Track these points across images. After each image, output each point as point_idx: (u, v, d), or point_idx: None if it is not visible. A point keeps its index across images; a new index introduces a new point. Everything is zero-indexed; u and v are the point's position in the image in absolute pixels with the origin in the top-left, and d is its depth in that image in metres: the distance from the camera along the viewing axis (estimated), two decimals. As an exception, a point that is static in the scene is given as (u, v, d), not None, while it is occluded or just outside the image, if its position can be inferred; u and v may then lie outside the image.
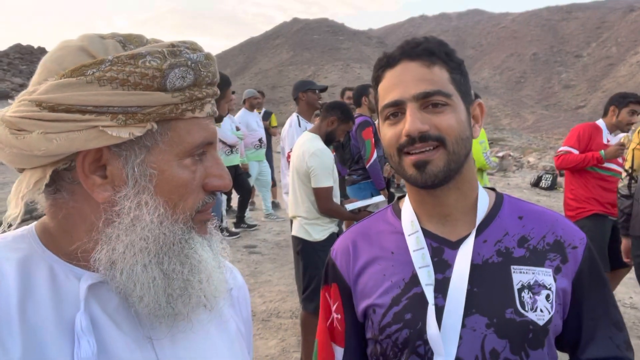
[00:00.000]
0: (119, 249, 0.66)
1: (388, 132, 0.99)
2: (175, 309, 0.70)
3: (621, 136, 3.85)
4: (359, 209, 3.43)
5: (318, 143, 3.32)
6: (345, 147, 4.64)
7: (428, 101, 0.94)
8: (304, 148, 3.31)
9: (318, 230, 3.33)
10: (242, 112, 7.30)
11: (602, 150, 3.79)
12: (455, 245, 1.01)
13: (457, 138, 0.95)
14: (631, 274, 5.59)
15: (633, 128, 3.92)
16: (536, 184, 12.72)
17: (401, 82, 0.96)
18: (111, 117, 0.64)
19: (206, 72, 0.70)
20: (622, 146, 3.75)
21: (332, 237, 3.37)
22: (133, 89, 0.64)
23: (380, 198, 3.61)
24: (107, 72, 0.63)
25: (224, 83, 4.78)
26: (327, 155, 3.29)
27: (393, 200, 1.19)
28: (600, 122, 4.03)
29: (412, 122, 0.93)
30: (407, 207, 1.09)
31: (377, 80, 1.04)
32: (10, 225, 0.71)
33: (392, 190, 5.06)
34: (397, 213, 1.11)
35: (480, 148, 4.30)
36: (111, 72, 0.63)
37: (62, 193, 0.69)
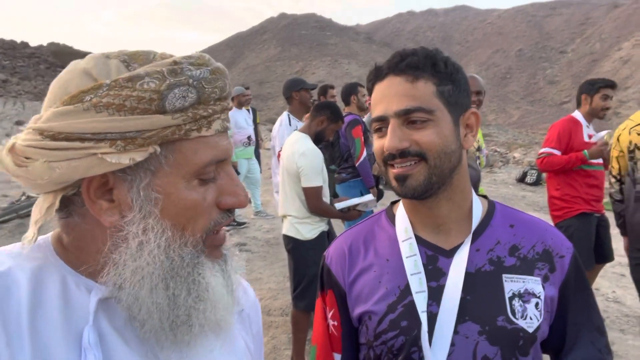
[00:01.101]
0: (126, 274, 0.66)
1: (376, 144, 1.03)
2: (177, 336, 0.69)
3: (603, 134, 3.81)
4: (349, 208, 3.46)
5: (308, 143, 3.34)
6: (335, 145, 4.65)
7: (409, 117, 0.96)
8: (294, 148, 3.33)
9: (308, 229, 3.35)
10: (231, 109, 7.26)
11: (586, 151, 3.74)
12: (450, 253, 1.03)
13: (439, 153, 0.97)
14: (614, 269, 5.73)
15: (610, 130, 3.89)
16: (522, 179, 12.89)
17: (385, 97, 0.99)
18: (110, 144, 0.62)
19: (212, 88, 0.67)
20: (605, 145, 3.71)
21: (323, 236, 3.40)
22: (130, 114, 0.62)
23: (370, 197, 3.64)
24: (103, 98, 0.62)
25: None
26: (317, 155, 3.31)
27: (382, 198, 1.22)
28: (577, 114, 3.95)
29: (390, 139, 0.96)
30: (401, 213, 1.11)
31: (370, 91, 1.06)
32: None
33: (380, 187, 5.08)
34: (391, 219, 1.13)
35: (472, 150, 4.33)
36: (108, 97, 0.62)
37: (74, 217, 0.69)
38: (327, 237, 3.47)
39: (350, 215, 3.46)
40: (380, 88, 1.01)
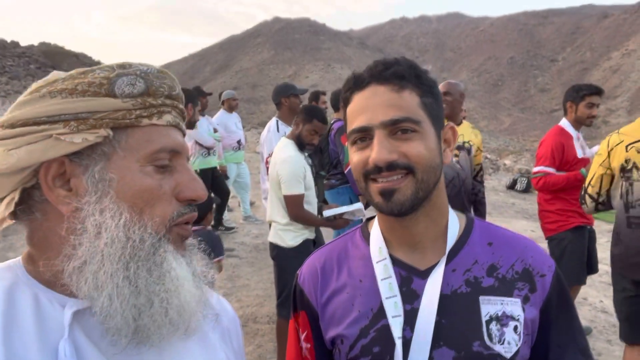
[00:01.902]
0: (84, 257, 0.66)
1: (355, 156, 0.96)
2: (140, 326, 0.67)
3: (595, 150, 3.69)
4: (335, 216, 3.41)
5: (290, 150, 3.30)
6: (324, 151, 4.63)
7: (396, 128, 0.91)
8: (277, 155, 3.31)
9: (291, 236, 3.31)
10: (221, 113, 7.19)
11: (583, 169, 3.63)
12: (424, 274, 0.98)
13: (426, 166, 0.92)
14: (602, 278, 5.74)
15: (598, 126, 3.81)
16: (512, 186, 12.95)
17: (369, 106, 0.93)
18: (64, 125, 0.67)
19: (160, 82, 0.73)
20: None
21: (306, 244, 3.36)
22: (82, 96, 0.67)
23: (358, 205, 3.60)
24: (57, 86, 0.68)
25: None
26: (298, 163, 3.26)
27: (370, 206, 1.16)
28: (565, 124, 3.83)
29: (379, 151, 0.90)
30: (375, 231, 1.06)
31: (345, 101, 1.00)
32: None
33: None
34: (366, 237, 1.08)
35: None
36: (61, 85, 0.68)
37: (35, 214, 0.71)
38: (313, 245, 3.42)
39: (337, 223, 3.41)
40: (361, 98, 0.95)
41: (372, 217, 1.12)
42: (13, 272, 0.71)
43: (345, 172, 4.43)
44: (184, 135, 0.80)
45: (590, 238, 3.89)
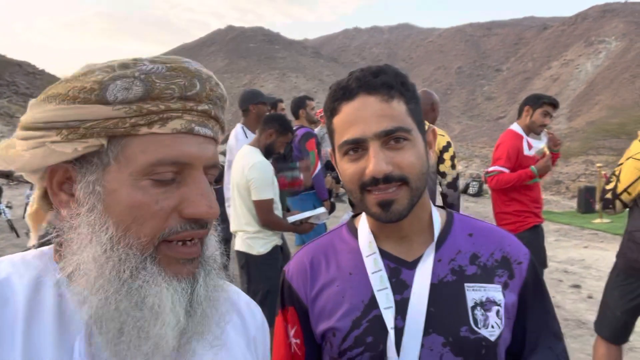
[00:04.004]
0: (70, 269, 0.65)
1: (349, 168, 0.97)
2: (119, 349, 0.63)
3: (541, 146, 3.92)
4: (301, 221, 3.44)
5: (257, 156, 3.31)
6: (288, 158, 4.64)
7: (389, 138, 0.94)
8: (244, 161, 3.29)
9: (261, 244, 3.30)
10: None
11: (533, 167, 3.82)
12: (412, 265, 1.02)
13: (418, 175, 0.97)
14: (553, 275, 6.04)
15: (546, 130, 4.01)
16: (464, 190, 13.42)
17: (361, 118, 0.94)
18: (56, 133, 0.64)
19: (167, 84, 0.64)
20: (549, 158, 3.83)
21: (276, 250, 3.36)
22: (72, 103, 0.63)
23: (322, 209, 3.64)
24: (54, 90, 0.65)
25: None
26: (267, 168, 3.28)
27: (334, 210, 1.20)
28: (516, 127, 4.02)
29: (376, 163, 0.92)
30: (364, 226, 1.09)
31: (332, 112, 1.00)
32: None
33: (332, 200, 5.11)
34: (354, 232, 1.11)
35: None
36: (56, 89, 0.65)
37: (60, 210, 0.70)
38: (280, 251, 3.43)
39: (303, 228, 3.44)
40: (350, 108, 0.96)
41: (358, 214, 1.16)
42: (43, 261, 0.70)
43: (312, 176, 4.46)
44: (215, 140, 0.72)
45: (541, 236, 4.10)
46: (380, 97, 0.95)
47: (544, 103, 3.96)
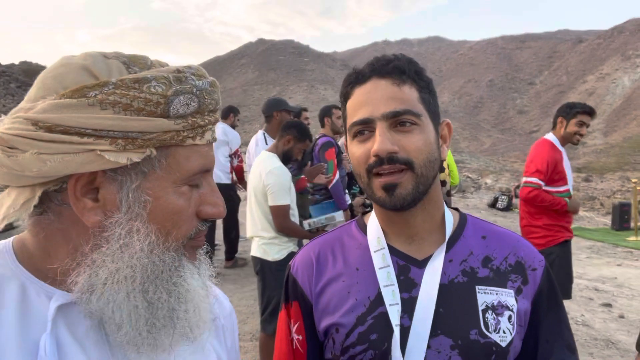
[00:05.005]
0: (102, 275, 0.64)
1: (357, 150, 0.97)
2: (157, 339, 0.67)
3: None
4: (317, 228, 3.42)
5: (275, 161, 3.31)
6: (303, 166, 4.64)
7: (397, 120, 0.93)
8: (261, 167, 3.31)
9: (276, 250, 3.29)
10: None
11: (569, 201, 3.74)
12: (422, 264, 0.99)
13: (425, 160, 0.94)
14: (582, 293, 5.81)
15: (583, 140, 3.84)
16: (493, 204, 13.13)
17: (371, 100, 0.95)
18: (110, 142, 0.62)
19: (210, 99, 0.69)
20: (579, 205, 3.76)
21: (291, 257, 3.33)
22: (136, 115, 0.62)
23: (338, 214, 3.62)
24: (110, 96, 0.61)
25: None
26: (285, 174, 3.28)
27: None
28: (553, 139, 3.86)
29: (381, 142, 0.91)
30: (373, 222, 1.07)
31: (345, 96, 1.02)
32: None
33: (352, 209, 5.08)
34: (362, 228, 1.09)
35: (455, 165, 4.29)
36: (114, 95, 0.62)
37: (49, 214, 0.67)
38: (297, 258, 3.41)
39: (319, 235, 3.42)
40: (362, 91, 0.97)
41: (367, 211, 1.13)
42: (2, 258, 0.68)
43: (329, 187, 4.45)
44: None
45: (570, 251, 3.95)
46: (391, 80, 0.95)
47: (577, 113, 3.77)
